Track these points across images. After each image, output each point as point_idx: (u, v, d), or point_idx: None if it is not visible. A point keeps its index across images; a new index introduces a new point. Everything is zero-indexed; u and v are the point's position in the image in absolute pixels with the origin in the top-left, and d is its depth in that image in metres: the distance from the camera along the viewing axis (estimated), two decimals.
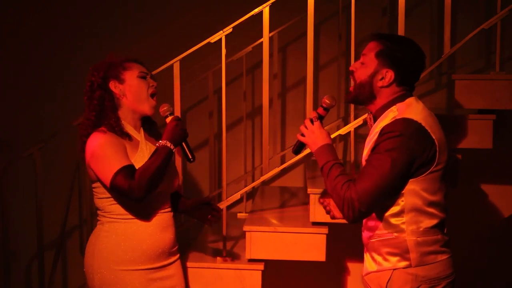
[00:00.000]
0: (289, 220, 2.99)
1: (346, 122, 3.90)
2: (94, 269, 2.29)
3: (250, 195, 3.89)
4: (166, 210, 2.39)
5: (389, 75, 2.08)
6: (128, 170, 2.19)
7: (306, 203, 3.11)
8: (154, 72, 2.82)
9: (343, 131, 2.85)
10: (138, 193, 2.16)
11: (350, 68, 2.19)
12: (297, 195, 3.65)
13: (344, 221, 2.09)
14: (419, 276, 2.02)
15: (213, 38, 2.78)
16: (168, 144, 2.24)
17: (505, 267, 4.01)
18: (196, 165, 4.09)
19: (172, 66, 2.80)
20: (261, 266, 2.77)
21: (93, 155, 2.24)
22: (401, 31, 2.80)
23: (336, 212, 2.37)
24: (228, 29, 2.76)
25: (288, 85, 4.11)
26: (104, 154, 2.21)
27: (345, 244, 3.49)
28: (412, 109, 2.04)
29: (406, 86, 2.12)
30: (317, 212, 2.78)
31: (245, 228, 2.77)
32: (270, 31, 2.83)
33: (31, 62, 4.14)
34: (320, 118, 2.19)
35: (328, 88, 3.99)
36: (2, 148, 4.06)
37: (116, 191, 2.21)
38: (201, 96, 4.05)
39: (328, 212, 2.40)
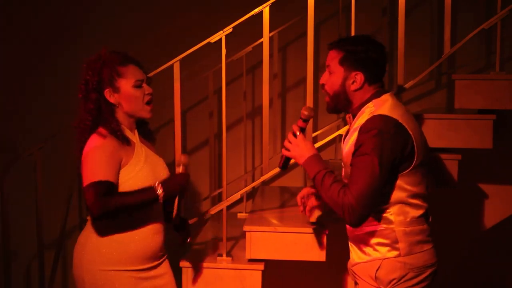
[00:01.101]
0: (289, 220, 2.99)
1: (346, 122, 3.90)
2: (84, 271, 2.28)
3: (250, 195, 3.89)
4: (159, 214, 2.37)
5: (359, 77, 2.14)
6: (104, 186, 2.14)
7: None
8: (154, 72, 2.82)
9: (343, 131, 2.86)
10: (96, 213, 2.11)
11: (320, 82, 2.23)
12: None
13: (343, 220, 2.12)
14: (407, 264, 2.10)
15: (213, 38, 2.77)
16: (160, 192, 2.19)
17: (505, 267, 4.01)
18: (196, 165, 4.10)
19: (172, 66, 2.80)
20: (261, 266, 2.77)
21: (85, 156, 2.21)
22: (401, 31, 2.80)
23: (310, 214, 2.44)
24: (228, 29, 2.76)
25: (288, 85, 4.11)
26: (94, 159, 2.18)
27: (345, 244, 3.48)
28: (388, 105, 2.10)
29: (377, 83, 2.17)
30: (317, 212, 2.79)
31: (245, 228, 2.77)
32: (270, 31, 2.83)
33: (31, 62, 4.15)
34: (302, 130, 2.23)
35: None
36: (2, 148, 4.06)
37: (85, 197, 2.18)
38: (201, 96, 4.05)
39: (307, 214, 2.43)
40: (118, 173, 2.23)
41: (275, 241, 2.75)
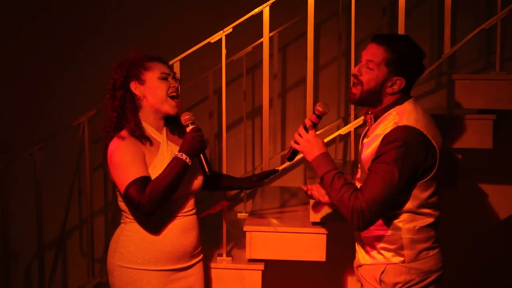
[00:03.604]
0: (289, 220, 2.99)
1: (346, 122, 3.90)
2: (115, 267, 2.31)
3: (250, 195, 3.89)
4: (189, 212, 2.38)
5: (400, 82, 2.09)
6: (142, 182, 2.16)
7: (306, 203, 3.11)
8: None
9: (343, 131, 2.85)
10: (147, 208, 2.15)
11: (354, 72, 2.15)
12: (297, 195, 3.65)
13: (342, 220, 2.13)
14: (413, 268, 2.09)
15: (213, 38, 2.78)
16: (184, 157, 2.21)
17: (506, 267, 4.01)
18: (196, 165, 4.09)
19: (172, 66, 2.80)
20: (261, 266, 2.77)
21: (110, 160, 2.24)
22: (401, 31, 2.80)
23: (321, 197, 2.40)
24: (228, 29, 2.76)
25: (288, 85, 4.11)
26: (120, 161, 2.20)
27: (345, 244, 3.48)
28: (412, 115, 2.06)
29: (409, 89, 2.14)
30: (317, 212, 2.79)
31: (245, 228, 2.77)
32: (270, 31, 2.83)
33: (31, 62, 4.15)
34: (314, 125, 2.21)
35: (328, 88, 3.99)
36: (2, 148, 4.06)
37: (127, 201, 2.23)
38: (201, 96, 4.05)
39: (311, 197, 2.44)
40: (146, 165, 2.24)
41: (275, 241, 2.75)
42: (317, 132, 3.81)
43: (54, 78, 4.13)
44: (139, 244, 2.29)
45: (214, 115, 3.96)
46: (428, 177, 2.04)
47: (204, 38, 2.79)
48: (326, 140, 2.92)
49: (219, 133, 3.96)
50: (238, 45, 3.70)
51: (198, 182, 2.40)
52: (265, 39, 2.81)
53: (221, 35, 2.76)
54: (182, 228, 2.34)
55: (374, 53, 2.09)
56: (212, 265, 2.79)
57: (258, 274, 2.77)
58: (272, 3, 2.78)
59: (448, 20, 2.89)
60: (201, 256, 2.48)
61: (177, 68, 2.80)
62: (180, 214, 2.34)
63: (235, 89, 3.90)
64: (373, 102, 2.15)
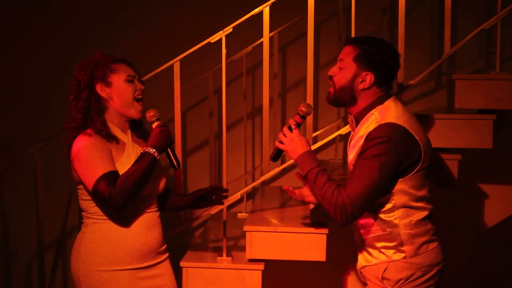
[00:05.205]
0: (289, 220, 2.99)
1: (346, 122, 3.90)
2: (81, 273, 2.29)
3: (250, 195, 3.89)
4: (152, 210, 2.38)
5: (369, 77, 2.15)
6: (111, 176, 2.17)
7: (306, 203, 3.10)
8: (154, 72, 2.83)
9: (343, 131, 2.86)
10: (118, 201, 2.15)
11: (329, 73, 2.24)
12: None
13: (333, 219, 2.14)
14: (414, 263, 2.12)
15: (213, 38, 2.78)
16: (152, 151, 2.23)
17: (506, 267, 4.00)
18: (196, 165, 4.10)
19: (172, 66, 2.80)
20: (261, 266, 2.77)
21: (77, 157, 2.23)
22: (401, 31, 2.80)
23: (309, 198, 2.42)
24: (228, 29, 2.76)
25: (288, 85, 4.11)
26: (88, 157, 2.20)
27: (345, 244, 3.49)
28: (393, 112, 2.11)
29: (385, 87, 2.19)
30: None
31: (245, 228, 2.77)
32: (270, 31, 2.83)
33: (31, 62, 4.14)
34: (298, 125, 2.25)
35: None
36: (2, 148, 4.06)
37: (98, 197, 2.21)
38: (201, 96, 4.05)
39: (305, 203, 2.47)
40: (114, 162, 2.25)
41: (275, 241, 2.75)
42: (318, 132, 3.85)
43: (54, 77, 4.12)
44: (102, 245, 2.27)
45: (214, 115, 3.96)
46: (414, 171, 2.07)
47: (204, 38, 2.79)
48: (326, 140, 2.94)
49: (219, 133, 3.96)
50: (238, 45, 3.70)
51: (161, 183, 2.42)
52: (265, 39, 2.81)
53: (221, 35, 2.76)
54: (146, 225, 2.34)
55: (344, 52, 2.20)
56: (212, 265, 2.79)
57: (258, 274, 2.77)
58: (272, 3, 2.78)
59: (448, 20, 2.89)
60: (167, 254, 2.47)
61: (177, 68, 2.80)
62: (143, 213, 2.33)
63: (235, 89, 3.90)
64: (347, 101, 2.21)
